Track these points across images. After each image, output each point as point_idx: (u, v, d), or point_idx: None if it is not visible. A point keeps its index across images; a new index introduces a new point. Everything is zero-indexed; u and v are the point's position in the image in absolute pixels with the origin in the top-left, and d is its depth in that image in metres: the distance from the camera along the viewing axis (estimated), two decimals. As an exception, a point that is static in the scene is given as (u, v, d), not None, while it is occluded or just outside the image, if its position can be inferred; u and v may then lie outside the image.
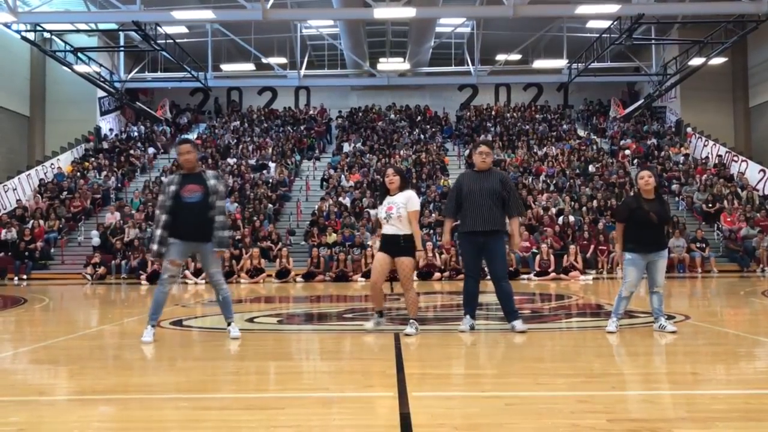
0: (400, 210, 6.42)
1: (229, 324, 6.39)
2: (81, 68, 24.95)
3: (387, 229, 6.51)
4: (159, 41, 23.70)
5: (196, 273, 17.21)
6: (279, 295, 13.53)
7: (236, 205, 21.74)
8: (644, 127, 29.52)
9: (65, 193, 23.48)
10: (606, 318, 7.25)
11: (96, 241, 20.13)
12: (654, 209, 6.42)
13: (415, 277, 17.89)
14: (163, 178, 24.93)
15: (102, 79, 26.42)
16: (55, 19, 23.68)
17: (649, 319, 7.07)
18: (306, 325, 8.33)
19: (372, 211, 20.67)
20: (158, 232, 6.15)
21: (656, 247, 6.44)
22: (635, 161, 26.09)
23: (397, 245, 6.44)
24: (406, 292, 6.56)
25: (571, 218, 20.39)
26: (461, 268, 17.77)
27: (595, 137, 29.28)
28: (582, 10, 21.75)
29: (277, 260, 18.20)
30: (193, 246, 6.26)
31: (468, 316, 6.67)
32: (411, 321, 6.47)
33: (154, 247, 6.18)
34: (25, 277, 19.01)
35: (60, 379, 4.82)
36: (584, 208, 21.20)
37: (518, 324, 6.53)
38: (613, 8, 21.29)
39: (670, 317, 6.92)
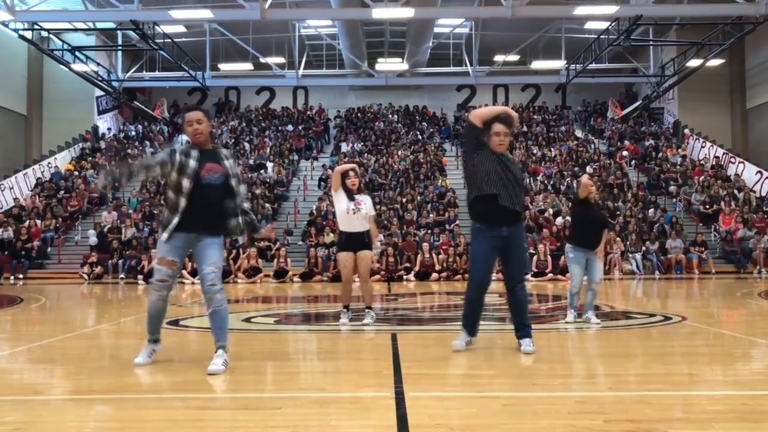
0: (369, 209, 7.19)
1: (217, 350, 4.77)
2: (78, 67, 24.90)
3: (354, 227, 7.10)
4: (157, 40, 23.68)
5: (193, 272, 17.19)
6: (276, 295, 13.52)
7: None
8: (642, 128, 29.54)
9: (62, 192, 23.43)
10: (604, 319, 7.26)
11: (93, 240, 20.09)
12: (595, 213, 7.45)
13: (412, 278, 17.94)
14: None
15: (100, 78, 26.38)
16: (53, 17, 23.63)
17: (645, 320, 7.09)
18: (303, 326, 8.33)
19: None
20: (176, 219, 4.77)
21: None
22: (633, 162, 26.13)
23: (361, 242, 7.14)
24: (364, 283, 7.29)
25: (569, 219, 20.38)
26: (459, 269, 17.79)
27: (593, 138, 29.30)
28: (580, 11, 21.77)
29: (275, 260, 18.18)
30: (194, 239, 4.86)
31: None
32: (367, 310, 7.22)
33: (165, 236, 4.80)
34: (21, 276, 18.95)
35: (56, 378, 4.81)
36: (582, 209, 21.17)
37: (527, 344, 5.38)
38: (611, 9, 21.31)
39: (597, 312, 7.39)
